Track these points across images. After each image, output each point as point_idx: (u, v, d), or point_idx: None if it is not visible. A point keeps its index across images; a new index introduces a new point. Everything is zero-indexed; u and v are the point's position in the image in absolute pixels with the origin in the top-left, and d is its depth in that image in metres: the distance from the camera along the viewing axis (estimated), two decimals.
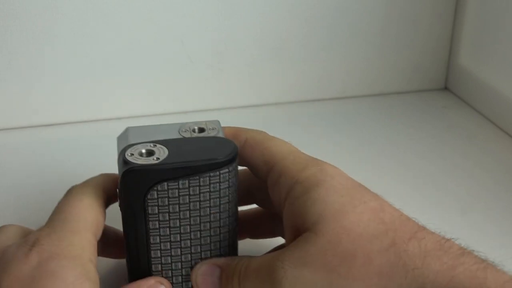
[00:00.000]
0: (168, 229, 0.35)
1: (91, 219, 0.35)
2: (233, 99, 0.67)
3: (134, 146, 0.35)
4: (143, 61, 0.63)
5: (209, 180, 0.35)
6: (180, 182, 0.34)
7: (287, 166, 0.36)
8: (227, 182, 0.35)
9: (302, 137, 0.63)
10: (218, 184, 0.35)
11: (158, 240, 0.36)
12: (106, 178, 0.38)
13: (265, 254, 0.35)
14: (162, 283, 0.36)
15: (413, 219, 0.33)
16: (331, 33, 0.67)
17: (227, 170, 0.35)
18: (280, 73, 0.68)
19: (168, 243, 0.36)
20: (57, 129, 0.63)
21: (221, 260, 0.36)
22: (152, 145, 0.35)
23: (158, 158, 0.34)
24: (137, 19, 0.61)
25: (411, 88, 0.73)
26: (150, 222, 0.35)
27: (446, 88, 0.73)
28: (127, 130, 0.38)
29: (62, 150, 0.60)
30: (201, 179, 0.34)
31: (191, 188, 0.34)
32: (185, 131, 0.38)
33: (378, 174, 0.56)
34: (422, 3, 0.68)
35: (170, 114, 0.65)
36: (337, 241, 0.31)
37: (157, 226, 0.35)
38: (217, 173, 0.35)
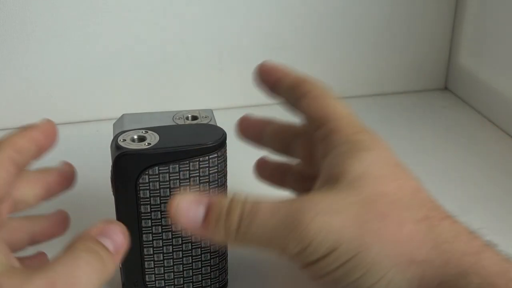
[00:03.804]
0: (159, 213, 0.36)
1: None
2: (233, 99, 0.67)
3: (127, 132, 0.37)
4: (143, 61, 0.63)
5: (199, 164, 0.36)
6: (171, 166, 0.35)
7: (342, 126, 0.36)
8: (216, 167, 0.36)
9: None
10: (207, 169, 0.36)
11: (149, 224, 0.37)
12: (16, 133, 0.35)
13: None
14: (111, 222, 0.32)
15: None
16: (331, 33, 0.67)
17: (216, 155, 0.36)
18: None
19: (160, 227, 0.37)
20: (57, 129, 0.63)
21: (209, 197, 0.33)
22: (143, 131, 0.37)
23: (149, 144, 0.35)
24: (137, 19, 0.61)
25: (411, 88, 0.73)
26: (141, 206, 0.36)
27: (446, 88, 0.73)
28: (122, 117, 0.40)
29: (62, 150, 0.60)
30: (191, 164, 0.35)
31: (181, 173, 0.36)
32: (179, 119, 0.39)
33: None
34: (422, 3, 0.68)
35: None
36: (373, 200, 0.31)
37: (149, 210, 0.36)
38: (206, 158, 0.36)
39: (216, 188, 0.37)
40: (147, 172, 0.35)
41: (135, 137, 0.36)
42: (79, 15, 0.60)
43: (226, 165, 0.37)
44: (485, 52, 0.67)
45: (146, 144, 0.35)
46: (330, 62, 0.68)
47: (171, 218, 0.32)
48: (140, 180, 0.35)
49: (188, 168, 0.36)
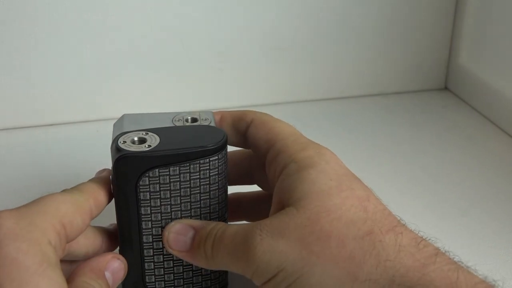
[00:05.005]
0: (159, 214, 0.36)
1: (65, 212, 0.33)
2: (233, 99, 0.67)
3: (127, 134, 0.36)
4: (143, 61, 0.63)
5: (199, 167, 0.36)
6: (171, 169, 0.35)
7: (287, 145, 0.37)
8: (216, 169, 0.36)
9: None
10: (208, 171, 0.36)
11: (150, 226, 0.37)
12: (97, 184, 0.37)
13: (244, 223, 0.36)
14: (118, 258, 0.36)
15: (396, 216, 0.34)
16: (331, 33, 0.67)
17: (216, 157, 0.36)
18: (280, 73, 0.68)
19: (160, 229, 0.37)
20: (57, 129, 0.63)
21: (197, 222, 0.36)
22: (144, 133, 0.36)
23: (149, 146, 0.35)
24: (137, 19, 0.61)
25: (411, 88, 0.73)
26: (142, 208, 0.36)
27: (446, 88, 0.73)
28: (123, 117, 0.40)
29: (62, 150, 0.60)
30: (191, 166, 0.35)
31: (181, 175, 0.35)
32: (178, 121, 0.39)
33: (377, 174, 0.56)
34: (422, 3, 0.68)
35: None
36: (316, 219, 0.32)
37: (149, 212, 0.36)
38: (207, 160, 0.36)
39: (217, 190, 0.37)
40: (147, 174, 0.35)
41: (136, 138, 0.36)
42: (79, 15, 0.60)
43: (227, 167, 0.37)
44: (485, 52, 0.67)
45: (147, 146, 0.35)
46: (330, 62, 0.68)
47: (164, 243, 0.36)
48: (141, 182, 0.35)
49: (188, 171, 0.35)
